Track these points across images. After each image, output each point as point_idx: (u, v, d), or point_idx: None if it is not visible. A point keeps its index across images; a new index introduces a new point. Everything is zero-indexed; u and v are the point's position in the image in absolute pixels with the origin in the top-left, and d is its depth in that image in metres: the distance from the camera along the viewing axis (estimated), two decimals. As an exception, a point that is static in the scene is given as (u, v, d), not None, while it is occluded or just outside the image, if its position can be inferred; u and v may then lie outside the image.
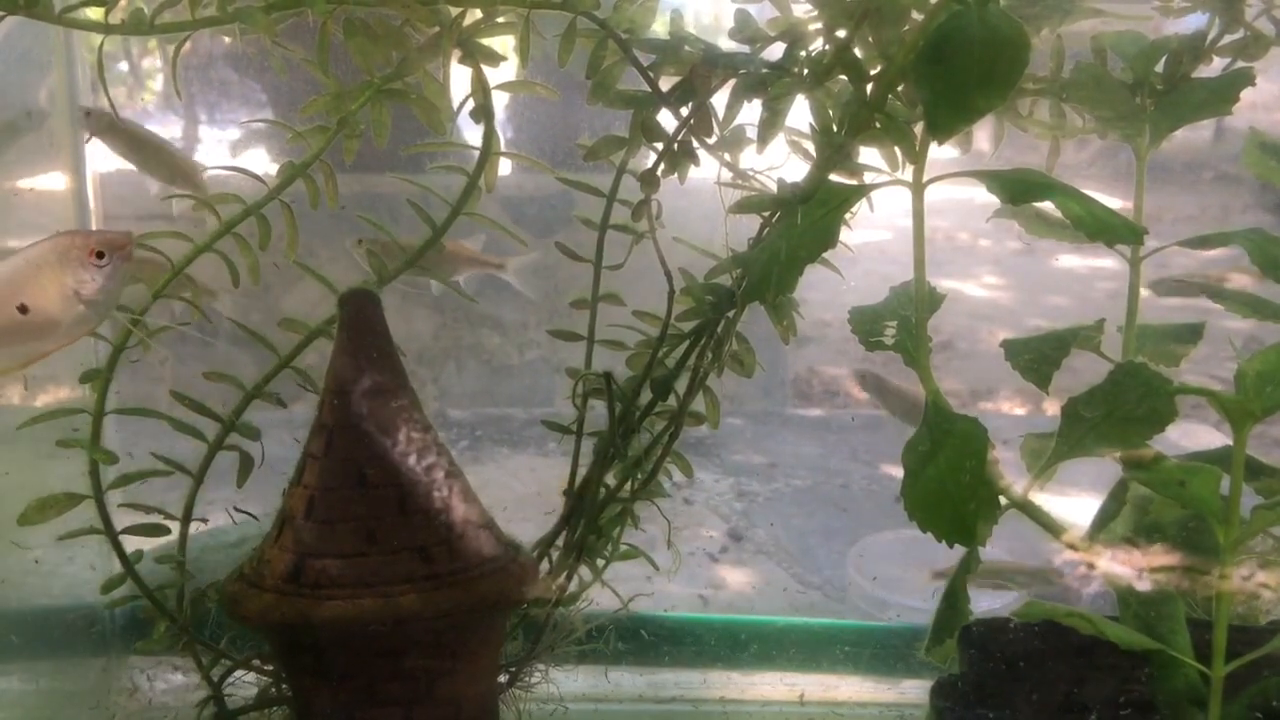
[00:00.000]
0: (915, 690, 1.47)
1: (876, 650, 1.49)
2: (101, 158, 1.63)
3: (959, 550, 1.01)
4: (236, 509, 1.18)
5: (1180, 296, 1.34)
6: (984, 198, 1.04)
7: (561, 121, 1.36)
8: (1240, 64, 1.16)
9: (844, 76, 1.04)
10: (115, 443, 1.17)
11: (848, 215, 1.05)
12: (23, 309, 0.95)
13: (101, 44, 1.02)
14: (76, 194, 1.60)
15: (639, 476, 1.20)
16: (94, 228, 1.63)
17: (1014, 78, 0.91)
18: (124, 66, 2.09)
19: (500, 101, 1.13)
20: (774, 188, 1.09)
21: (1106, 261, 1.24)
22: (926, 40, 0.93)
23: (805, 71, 1.06)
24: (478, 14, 1.07)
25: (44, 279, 0.95)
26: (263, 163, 1.17)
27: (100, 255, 0.96)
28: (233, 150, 2.26)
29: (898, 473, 1.02)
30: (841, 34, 1.02)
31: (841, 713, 1.45)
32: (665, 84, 1.10)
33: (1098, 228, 0.93)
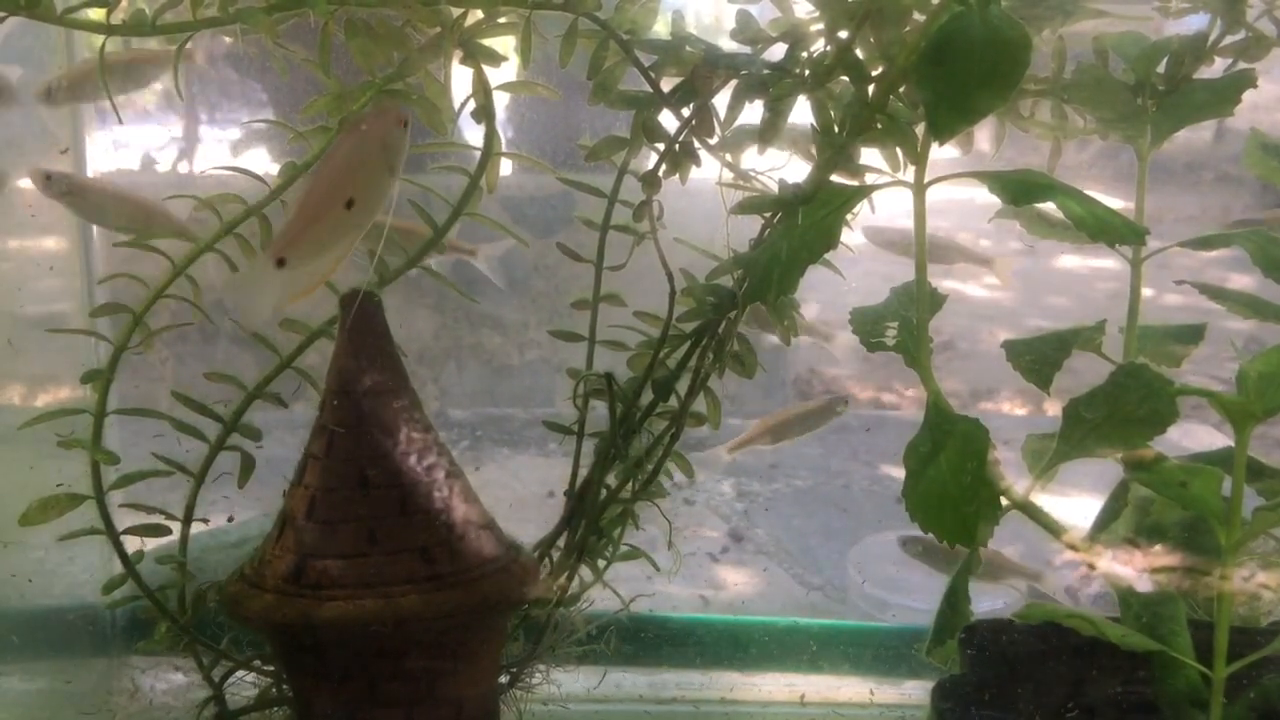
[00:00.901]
0: (916, 691, 1.47)
1: (878, 651, 1.49)
2: (102, 156, 1.63)
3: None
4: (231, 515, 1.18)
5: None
6: (985, 199, 1.04)
7: (563, 122, 1.36)
8: (1242, 65, 1.16)
9: (845, 77, 1.04)
10: (116, 443, 1.17)
11: (849, 216, 1.05)
12: (349, 204, 0.96)
13: (103, 44, 1.02)
14: (77, 193, 1.60)
15: (640, 477, 1.19)
16: (94, 228, 1.63)
17: (1015, 78, 0.91)
18: (124, 66, 2.08)
19: (501, 102, 1.13)
20: (775, 188, 1.09)
21: (1107, 262, 1.24)
22: (928, 41, 0.93)
23: (807, 72, 1.06)
24: (479, 15, 1.07)
25: (369, 165, 0.97)
26: (264, 163, 1.17)
27: (405, 123, 0.98)
28: (233, 150, 2.27)
29: (898, 473, 1.02)
30: (843, 35, 1.02)
31: (842, 713, 1.45)
32: (667, 85, 1.10)
33: (1099, 228, 0.93)
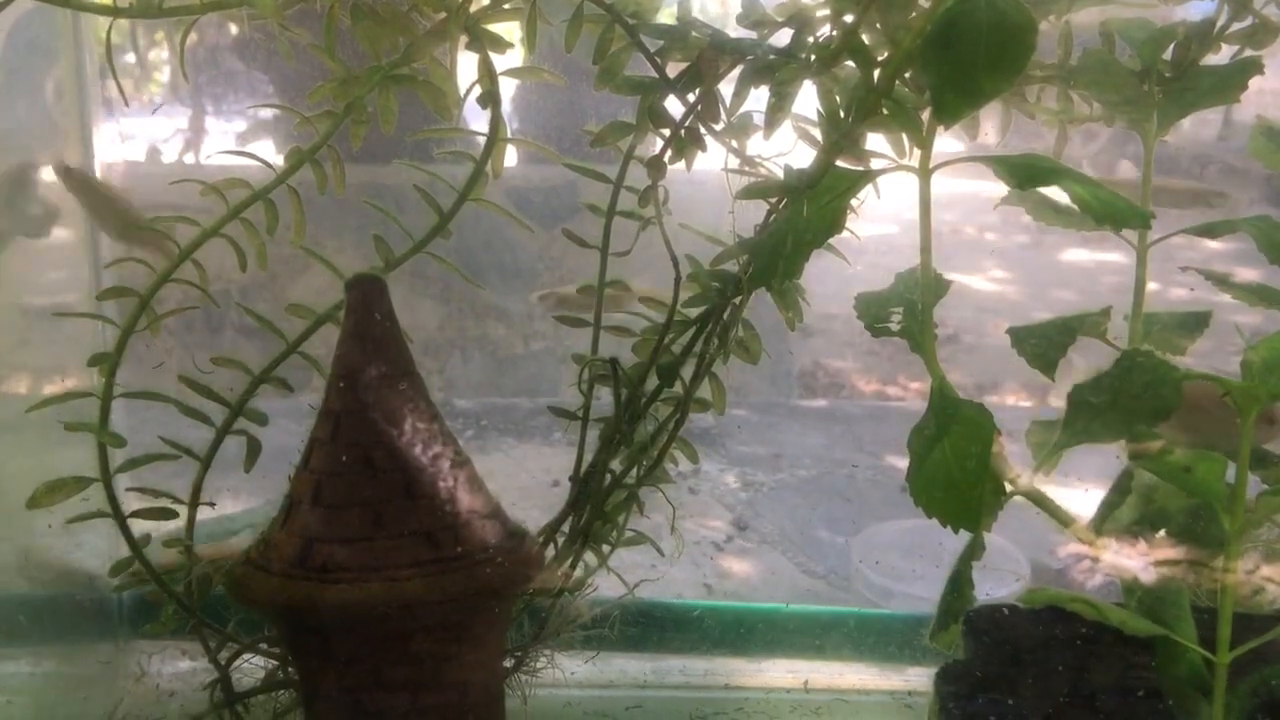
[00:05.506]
0: (920, 677, 1.47)
1: (881, 637, 1.49)
2: (109, 148, 1.64)
3: (951, 541, 1.01)
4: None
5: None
6: (990, 191, 1.04)
7: (568, 109, 1.36)
8: (1249, 52, 1.16)
9: (851, 62, 1.04)
10: (122, 430, 1.18)
11: (855, 203, 1.05)
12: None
13: (110, 29, 1.02)
14: (84, 184, 1.60)
15: (645, 463, 1.20)
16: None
17: (1021, 62, 0.91)
18: (131, 58, 2.09)
19: (507, 91, 1.12)
20: (781, 174, 1.09)
21: (1112, 255, 1.24)
22: (933, 25, 0.93)
23: (812, 57, 1.06)
24: (485, 0, 1.07)
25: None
26: (269, 153, 1.18)
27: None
28: (239, 141, 2.27)
29: (901, 463, 1.02)
30: (849, 19, 1.02)
31: (846, 699, 1.45)
32: (672, 70, 1.10)
33: (1104, 212, 0.93)
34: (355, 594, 1.00)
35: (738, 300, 1.14)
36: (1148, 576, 1.07)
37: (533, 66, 1.13)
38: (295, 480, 1.07)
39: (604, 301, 1.20)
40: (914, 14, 0.99)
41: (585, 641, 1.26)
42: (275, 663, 1.19)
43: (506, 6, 1.08)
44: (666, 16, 1.10)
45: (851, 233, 1.06)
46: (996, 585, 1.55)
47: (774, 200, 1.11)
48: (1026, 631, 1.11)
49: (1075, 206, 0.94)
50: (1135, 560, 1.08)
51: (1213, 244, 1.17)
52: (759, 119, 1.11)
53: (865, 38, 1.02)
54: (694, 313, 1.17)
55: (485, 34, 1.08)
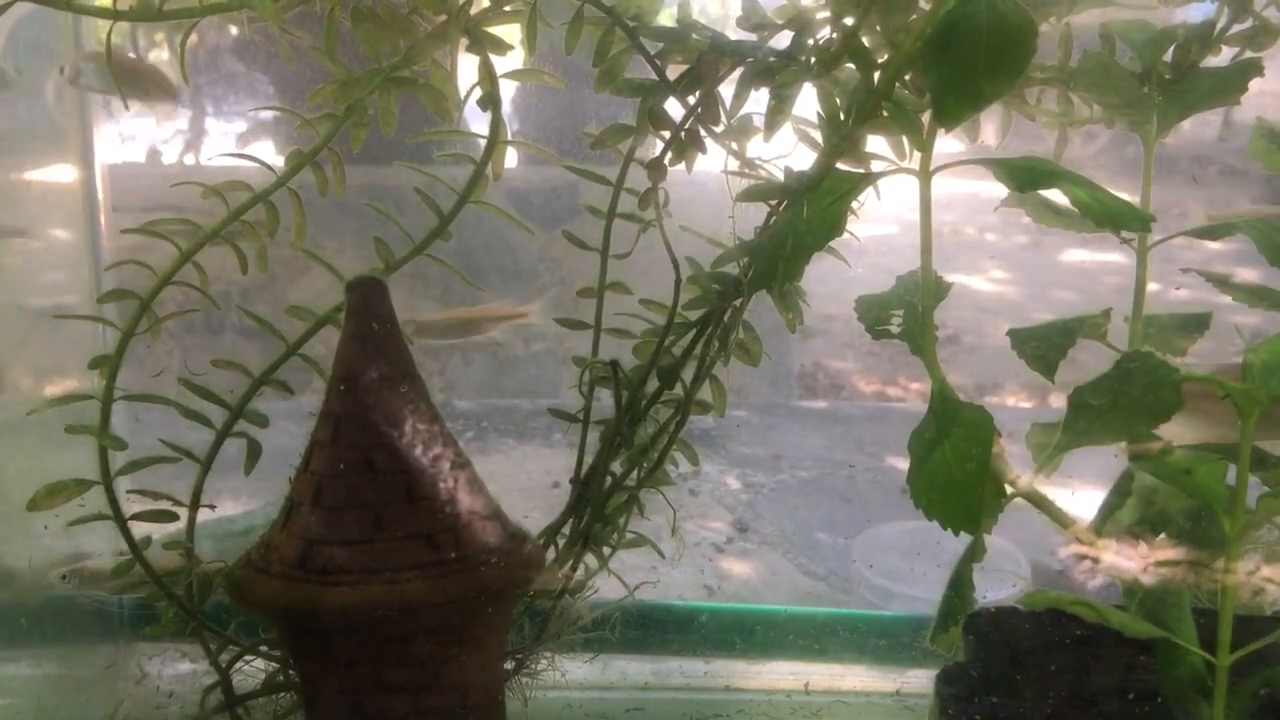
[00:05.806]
0: (920, 679, 1.47)
1: (881, 639, 1.49)
2: (109, 149, 1.64)
3: (951, 542, 1.01)
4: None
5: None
6: (990, 192, 1.04)
7: (568, 111, 1.36)
8: (1249, 54, 1.16)
9: (851, 64, 1.04)
10: (123, 432, 1.18)
11: (855, 205, 1.05)
12: None
13: (110, 31, 1.02)
14: (85, 185, 1.60)
15: (645, 465, 1.20)
16: (101, 220, 1.63)
17: (1021, 65, 0.91)
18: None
19: (507, 94, 1.12)
20: (781, 176, 1.09)
21: (1113, 256, 1.24)
22: (934, 27, 0.93)
23: (812, 59, 1.06)
24: (485, 2, 1.07)
25: None
26: (269, 156, 1.18)
27: None
28: (239, 142, 2.27)
29: (902, 465, 1.02)
30: (849, 21, 1.02)
31: (846, 701, 1.45)
32: (672, 72, 1.10)
33: (1105, 215, 0.93)
34: (356, 596, 1.00)
35: (738, 302, 1.14)
36: (1148, 578, 1.07)
37: (533, 69, 1.13)
38: (296, 482, 1.07)
39: (461, 328, 1.21)
40: (914, 16, 0.99)
41: (586, 643, 1.26)
42: (276, 665, 1.19)
43: (507, 9, 1.08)
44: (667, 19, 1.10)
45: (852, 234, 1.06)
46: (996, 587, 1.54)
47: (774, 203, 1.11)
48: (1027, 633, 1.11)
49: (1075, 209, 0.94)
50: (1136, 562, 1.08)
51: (1213, 245, 1.17)
52: (759, 121, 1.11)
53: (865, 40, 1.02)
54: (694, 315, 1.17)
55: (486, 36, 1.08)
